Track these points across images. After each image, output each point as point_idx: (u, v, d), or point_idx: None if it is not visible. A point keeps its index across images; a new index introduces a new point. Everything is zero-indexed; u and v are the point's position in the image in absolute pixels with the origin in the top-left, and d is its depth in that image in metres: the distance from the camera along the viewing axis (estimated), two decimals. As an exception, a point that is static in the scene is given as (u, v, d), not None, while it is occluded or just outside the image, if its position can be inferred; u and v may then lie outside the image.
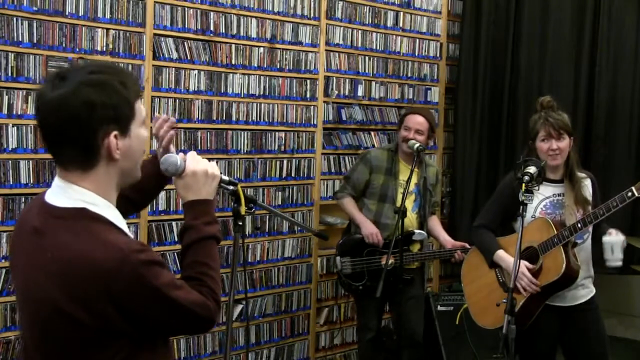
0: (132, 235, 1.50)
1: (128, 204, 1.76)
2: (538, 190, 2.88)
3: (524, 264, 2.94)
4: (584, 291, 3.03)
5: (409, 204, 3.88)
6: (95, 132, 1.40)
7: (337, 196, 4.03)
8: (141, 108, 1.50)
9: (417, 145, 3.71)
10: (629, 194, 2.74)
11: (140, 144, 1.51)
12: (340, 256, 3.94)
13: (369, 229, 3.82)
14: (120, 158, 1.45)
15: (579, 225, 2.86)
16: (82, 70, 1.42)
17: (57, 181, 1.47)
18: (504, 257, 3.06)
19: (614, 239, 2.86)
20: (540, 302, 2.97)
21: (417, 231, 3.85)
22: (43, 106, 1.40)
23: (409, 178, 3.65)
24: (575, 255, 2.94)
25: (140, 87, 1.56)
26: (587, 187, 3.06)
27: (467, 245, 3.73)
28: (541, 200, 3.04)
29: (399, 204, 3.70)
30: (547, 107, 3.04)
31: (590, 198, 3.03)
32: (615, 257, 2.86)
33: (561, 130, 2.96)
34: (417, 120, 3.85)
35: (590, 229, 2.98)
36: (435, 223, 4.10)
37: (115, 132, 1.42)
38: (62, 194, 1.44)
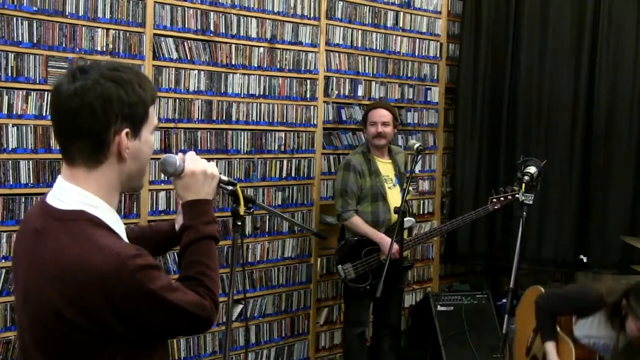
0: (127, 240, 1.50)
1: None
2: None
3: None
4: None
5: (397, 196, 3.98)
6: (108, 126, 1.40)
7: (344, 217, 3.98)
8: (154, 115, 1.51)
9: (417, 145, 3.73)
10: None
11: (149, 149, 1.52)
12: (341, 264, 3.97)
13: (388, 248, 3.76)
14: (128, 159, 1.45)
15: None
16: (103, 67, 1.43)
17: (59, 182, 1.46)
18: (551, 351, 2.99)
19: None
20: None
21: (406, 219, 3.88)
22: (59, 96, 1.40)
23: (408, 181, 3.70)
24: None
25: (157, 95, 1.56)
26: None
27: None
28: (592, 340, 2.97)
29: (388, 198, 3.95)
30: None
31: None
32: None
33: None
34: (381, 114, 4.00)
35: None
36: None
37: (127, 130, 1.42)
38: (63, 195, 1.43)
